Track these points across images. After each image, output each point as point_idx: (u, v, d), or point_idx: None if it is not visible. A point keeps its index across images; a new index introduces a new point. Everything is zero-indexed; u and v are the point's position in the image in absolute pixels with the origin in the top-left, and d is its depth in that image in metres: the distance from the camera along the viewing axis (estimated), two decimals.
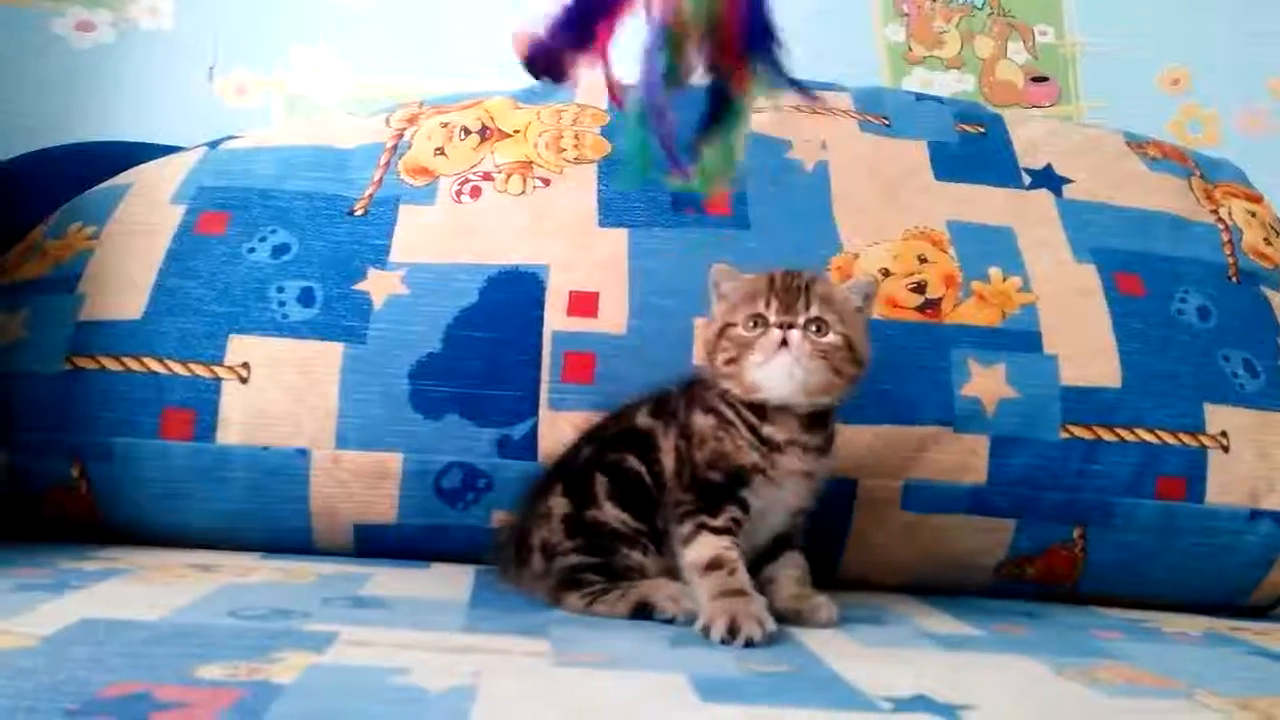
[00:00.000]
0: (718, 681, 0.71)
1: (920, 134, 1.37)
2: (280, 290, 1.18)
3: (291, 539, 1.14)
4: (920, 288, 1.22)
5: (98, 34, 1.60)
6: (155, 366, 1.14)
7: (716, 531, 0.92)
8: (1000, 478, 1.15)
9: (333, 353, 1.14)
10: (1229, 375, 1.22)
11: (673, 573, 0.95)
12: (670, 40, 0.58)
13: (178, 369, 1.14)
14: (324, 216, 1.23)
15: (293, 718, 0.58)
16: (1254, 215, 1.38)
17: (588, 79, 1.36)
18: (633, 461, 0.97)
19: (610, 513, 0.95)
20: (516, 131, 1.31)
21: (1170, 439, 1.17)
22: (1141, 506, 1.16)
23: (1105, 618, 1.10)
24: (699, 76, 0.64)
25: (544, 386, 1.14)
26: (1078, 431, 1.16)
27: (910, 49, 1.73)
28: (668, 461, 0.97)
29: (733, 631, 0.82)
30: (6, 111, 1.56)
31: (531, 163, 1.28)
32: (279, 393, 1.13)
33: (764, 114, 1.37)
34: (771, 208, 1.27)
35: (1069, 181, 1.35)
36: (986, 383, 1.17)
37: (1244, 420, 1.20)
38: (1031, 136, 1.40)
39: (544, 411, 1.14)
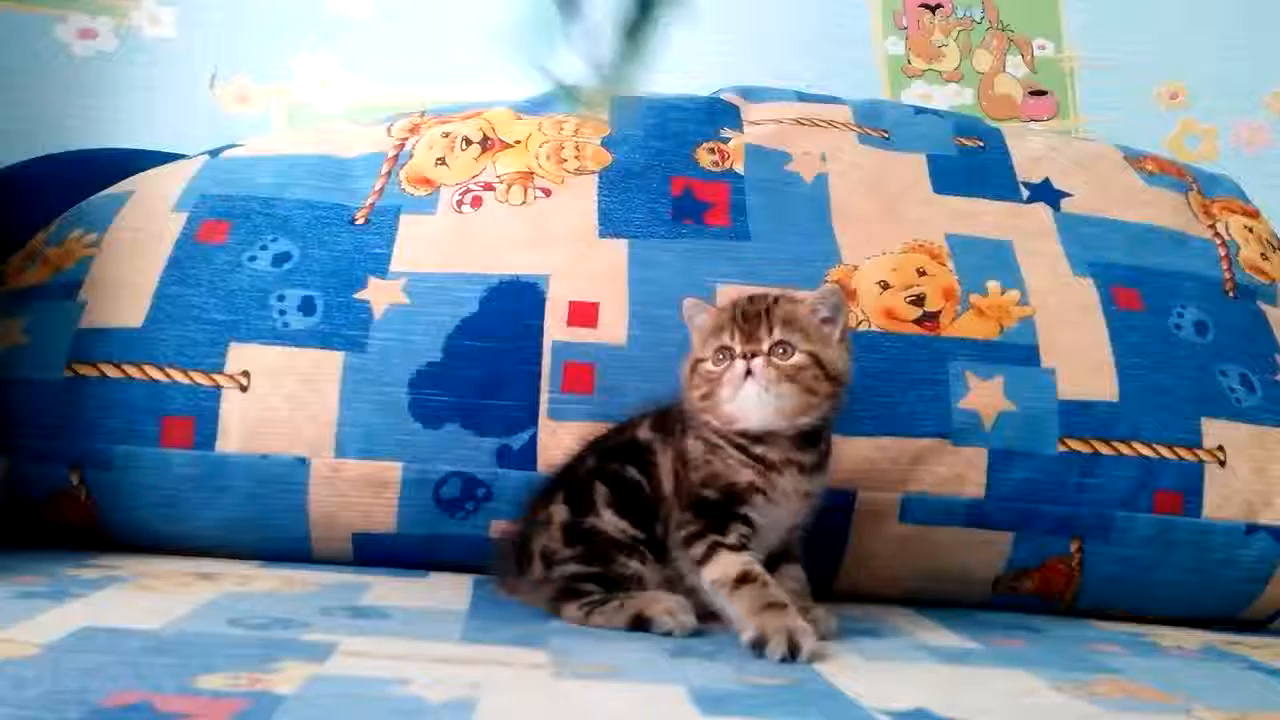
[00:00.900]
0: (716, 694, 0.71)
1: (919, 147, 1.38)
2: (281, 299, 1.18)
3: (290, 547, 1.14)
4: (919, 300, 1.22)
5: (99, 41, 1.61)
6: (155, 374, 1.14)
7: (732, 549, 0.92)
8: (998, 491, 1.15)
9: (333, 361, 1.15)
10: (1226, 390, 1.23)
11: (671, 583, 0.95)
12: None
13: (178, 377, 1.14)
14: (325, 225, 1.24)
15: None
16: (1251, 230, 1.39)
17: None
18: (633, 472, 0.98)
19: (609, 521, 0.96)
20: (518, 142, 1.32)
21: (1167, 453, 1.18)
22: (1139, 520, 1.16)
23: (1103, 631, 1.10)
24: None
25: (544, 396, 1.15)
26: (1075, 445, 1.16)
27: (909, 62, 1.73)
28: (665, 480, 0.98)
29: (793, 650, 0.82)
30: (8, 118, 1.56)
31: (532, 173, 1.28)
32: (279, 401, 1.13)
33: (764, 126, 1.38)
34: (771, 220, 1.27)
35: (1067, 195, 1.35)
36: (984, 396, 1.17)
37: (1241, 435, 1.20)
38: (1030, 150, 1.41)
39: (544, 421, 1.14)
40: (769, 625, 0.84)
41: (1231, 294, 1.31)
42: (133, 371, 1.14)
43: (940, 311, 1.22)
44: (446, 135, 1.32)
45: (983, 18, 1.75)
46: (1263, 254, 1.37)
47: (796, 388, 0.92)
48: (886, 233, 1.27)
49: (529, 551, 0.99)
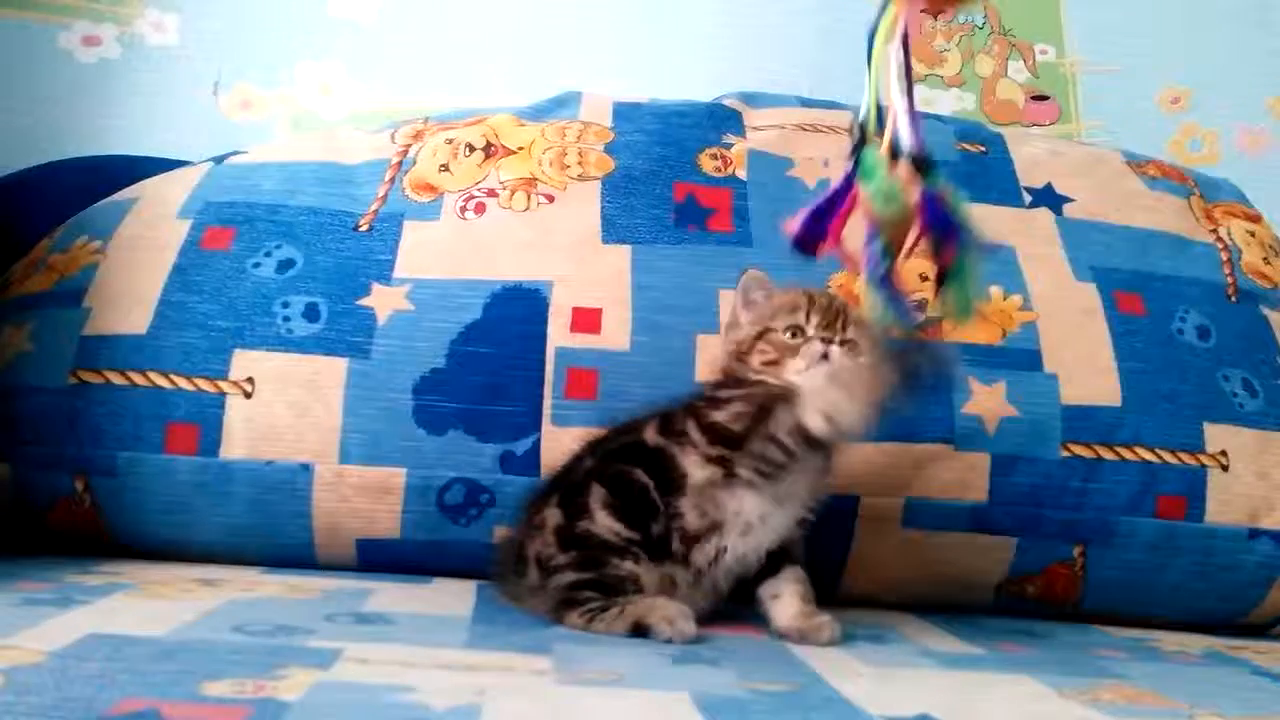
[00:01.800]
0: (721, 700, 0.71)
1: None
2: (285, 305, 1.18)
3: (295, 553, 1.14)
4: (921, 306, 1.22)
5: (103, 49, 1.61)
6: (160, 381, 1.14)
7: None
8: (1001, 496, 1.15)
9: (337, 368, 1.15)
10: (1228, 395, 1.23)
11: (672, 582, 0.96)
12: (881, 229, 0.73)
13: (182, 384, 1.14)
14: (329, 232, 1.24)
15: None
16: (1253, 235, 1.39)
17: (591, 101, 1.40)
18: (640, 475, 0.97)
19: (602, 523, 0.96)
20: (521, 148, 1.32)
21: (1170, 458, 1.18)
22: (1141, 525, 1.16)
23: (1106, 636, 1.10)
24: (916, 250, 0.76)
25: (547, 402, 1.15)
26: (1078, 450, 1.17)
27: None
28: (695, 475, 0.97)
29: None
30: (13, 125, 1.57)
31: (535, 179, 1.29)
32: (283, 407, 1.13)
33: (767, 132, 1.38)
34: (774, 225, 1.26)
35: (1069, 200, 1.36)
36: (987, 401, 1.17)
37: (1243, 440, 1.20)
38: (1032, 155, 1.41)
39: (547, 427, 1.14)
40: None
41: (1234, 298, 1.31)
42: (137, 378, 1.14)
43: (943, 317, 1.22)
44: (450, 142, 1.33)
45: (984, 23, 1.75)
46: (1265, 258, 1.37)
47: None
48: None
49: (525, 556, 0.99)
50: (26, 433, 1.14)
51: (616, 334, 1.18)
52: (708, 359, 1.16)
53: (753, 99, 1.46)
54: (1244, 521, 1.18)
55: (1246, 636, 1.16)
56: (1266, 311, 1.32)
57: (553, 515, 0.98)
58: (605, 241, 1.24)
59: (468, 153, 1.31)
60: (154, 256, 1.22)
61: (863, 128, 0.77)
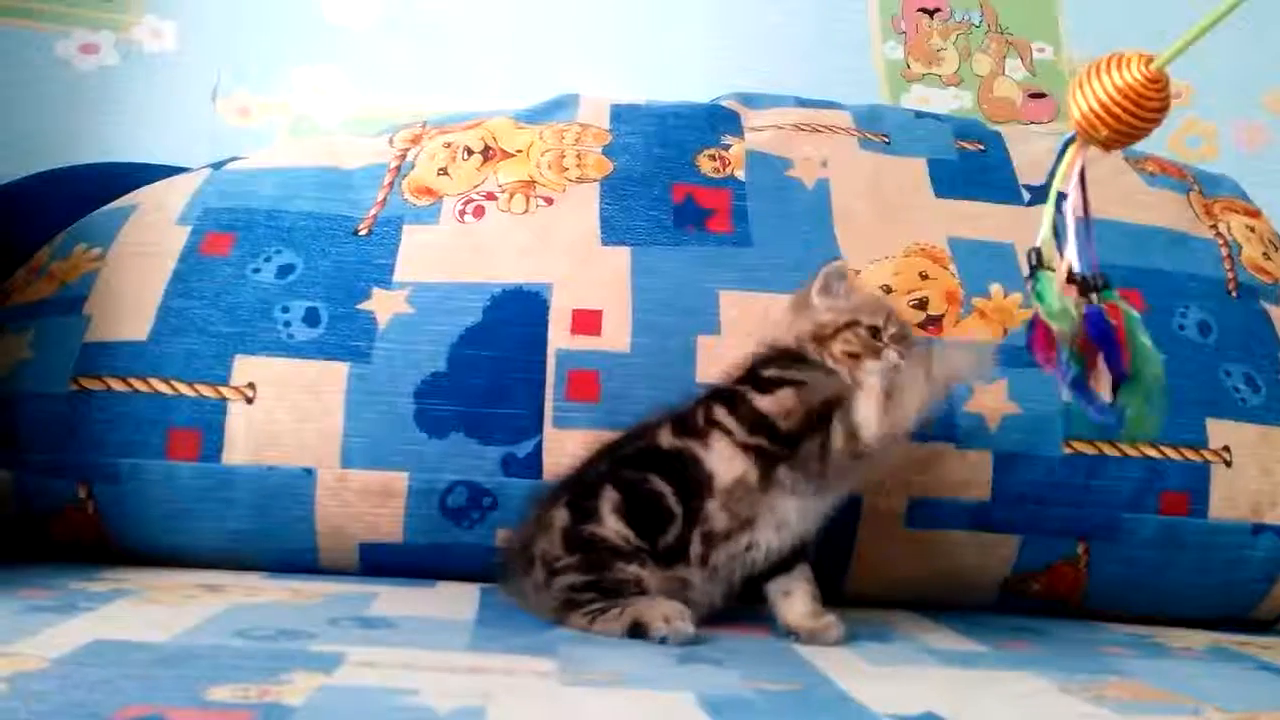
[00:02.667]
0: (726, 700, 0.71)
1: (920, 151, 1.38)
2: (285, 310, 1.18)
3: (297, 558, 1.15)
4: (922, 304, 1.22)
5: (101, 56, 1.61)
6: (161, 387, 1.14)
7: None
8: (1004, 493, 1.15)
9: (338, 372, 1.15)
10: (1230, 390, 1.23)
11: (678, 587, 0.96)
12: (1063, 340, 0.80)
13: (184, 390, 1.14)
14: (328, 236, 1.24)
15: None
16: (1253, 230, 1.39)
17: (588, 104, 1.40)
18: (657, 483, 0.97)
19: (611, 527, 0.95)
20: (519, 151, 1.32)
21: (1173, 454, 1.18)
22: (1145, 522, 1.16)
23: (1111, 633, 1.10)
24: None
25: (548, 405, 1.15)
26: (1081, 447, 1.16)
27: (908, 66, 1.74)
28: (724, 472, 0.97)
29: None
30: (11, 133, 1.57)
31: (534, 182, 1.29)
32: (284, 413, 1.13)
33: (765, 132, 1.38)
34: (773, 225, 1.28)
35: (1068, 198, 1.35)
36: (989, 399, 1.17)
37: (1246, 435, 1.20)
38: (1031, 153, 1.41)
39: (548, 429, 1.14)
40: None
41: (1234, 294, 1.31)
42: (138, 385, 1.14)
43: (943, 315, 1.22)
44: (448, 145, 1.33)
45: (981, 21, 1.76)
46: (1265, 253, 1.37)
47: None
48: (888, 237, 1.28)
49: (531, 554, 0.99)
50: (28, 440, 1.14)
51: (617, 335, 1.18)
52: (709, 361, 1.16)
53: (750, 100, 1.46)
54: (1247, 517, 1.18)
55: (1251, 632, 1.16)
56: (1267, 306, 1.31)
57: (560, 516, 0.98)
58: (604, 243, 1.24)
59: (466, 156, 1.32)
60: (154, 263, 1.22)
61: (1038, 253, 0.83)
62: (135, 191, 1.34)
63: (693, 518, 0.96)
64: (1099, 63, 0.79)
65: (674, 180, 1.30)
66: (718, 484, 0.97)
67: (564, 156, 1.32)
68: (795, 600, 0.96)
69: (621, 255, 1.23)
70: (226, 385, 1.14)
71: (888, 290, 1.22)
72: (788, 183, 1.32)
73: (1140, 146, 1.49)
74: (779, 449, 0.96)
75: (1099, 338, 0.79)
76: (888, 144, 1.39)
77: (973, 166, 1.38)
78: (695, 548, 0.96)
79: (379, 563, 1.15)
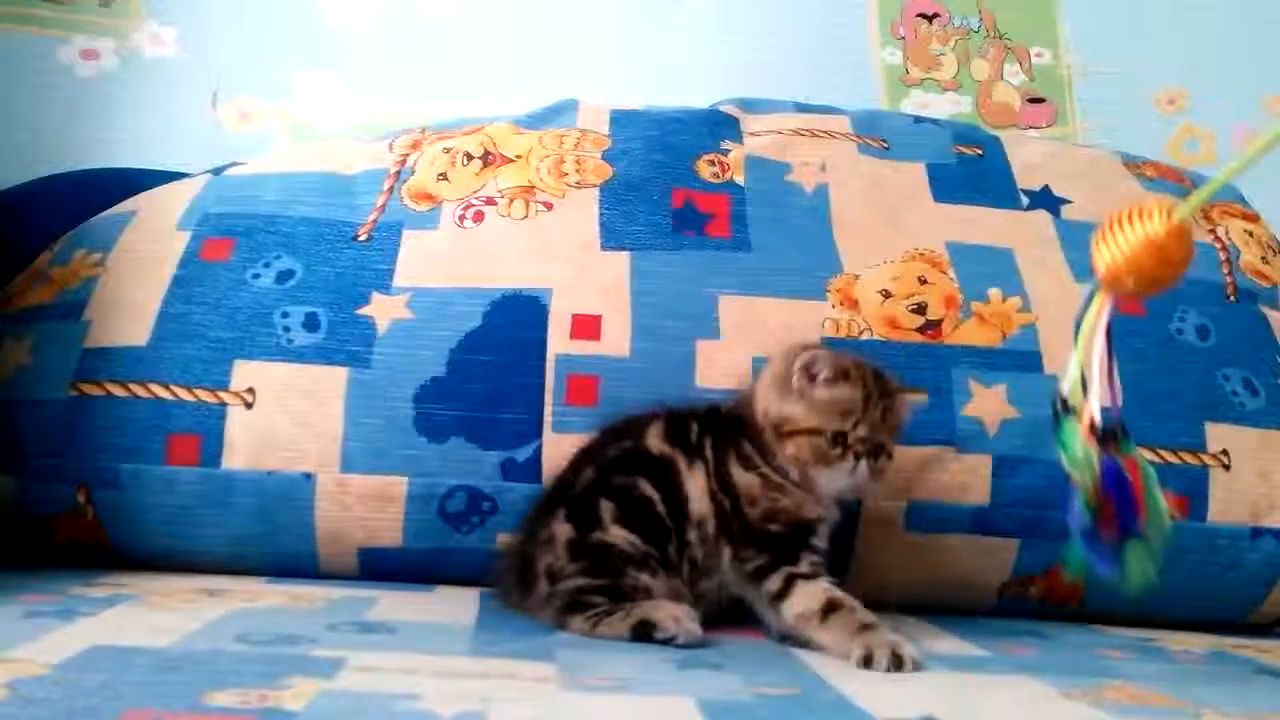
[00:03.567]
0: (726, 704, 0.72)
1: (919, 156, 1.39)
2: (285, 315, 1.18)
3: (297, 563, 1.14)
4: (921, 309, 1.22)
5: (102, 62, 1.62)
6: (161, 393, 1.14)
7: (807, 578, 0.94)
8: (1003, 498, 1.15)
9: (337, 377, 1.15)
10: (1228, 394, 1.23)
11: (679, 595, 0.96)
12: (1080, 488, 0.81)
13: (183, 395, 1.14)
14: (328, 242, 1.24)
15: None
16: (1251, 234, 1.39)
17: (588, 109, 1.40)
18: (646, 488, 0.97)
19: (617, 534, 0.95)
20: (518, 156, 1.32)
21: (1171, 458, 1.18)
22: None
23: (1110, 636, 1.10)
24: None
25: (548, 409, 1.15)
26: None
27: (907, 72, 1.74)
28: (698, 502, 0.98)
29: (899, 663, 0.84)
30: (11, 139, 1.57)
31: (534, 187, 1.29)
32: (284, 417, 1.14)
33: (764, 138, 1.38)
34: (772, 230, 1.28)
35: (1067, 202, 1.36)
36: (988, 403, 1.17)
37: (1244, 439, 1.20)
38: (1029, 158, 1.41)
39: (548, 434, 1.14)
40: (871, 644, 0.85)
41: (1233, 298, 1.31)
42: (138, 390, 1.15)
43: (942, 320, 1.22)
44: (448, 151, 1.33)
45: (980, 26, 1.76)
46: (1263, 257, 1.37)
47: (875, 480, 0.99)
48: (887, 242, 1.28)
49: (533, 571, 0.99)
50: (28, 446, 1.14)
51: (616, 340, 1.18)
52: (708, 365, 1.17)
53: (749, 105, 1.47)
54: (1246, 521, 1.18)
55: (1250, 635, 1.16)
56: (1266, 310, 1.32)
57: (563, 530, 0.98)
58: (604, 248, 1.24)
59: (466, 161, 1.32)
60: (154, 268, 1.22)
61: (1064, 401, 0.83)
62: (135, 197, 1.34)
63: (682, 527, 0.97)
64: (1121, 214, 0.79)
65: (673, 185, 1.30)
66: (691, 511, 0.98)
67: (563, 162, 1.32)
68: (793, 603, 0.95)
69: (621, 260, 1.23)
70: (226, 390, 1.15)
71: (886, 295, 1.23)
72: (787, 188, 1.33)
73: (1138, 151, 1.51)
74: (740, 525, 0.97)
75: (1116, 492, 0.79)
76: (887, 149, 1.40)
77: (971, 171, 1.38)
78: (686, 570, 0.97)
79: (378, 567, 1.15)
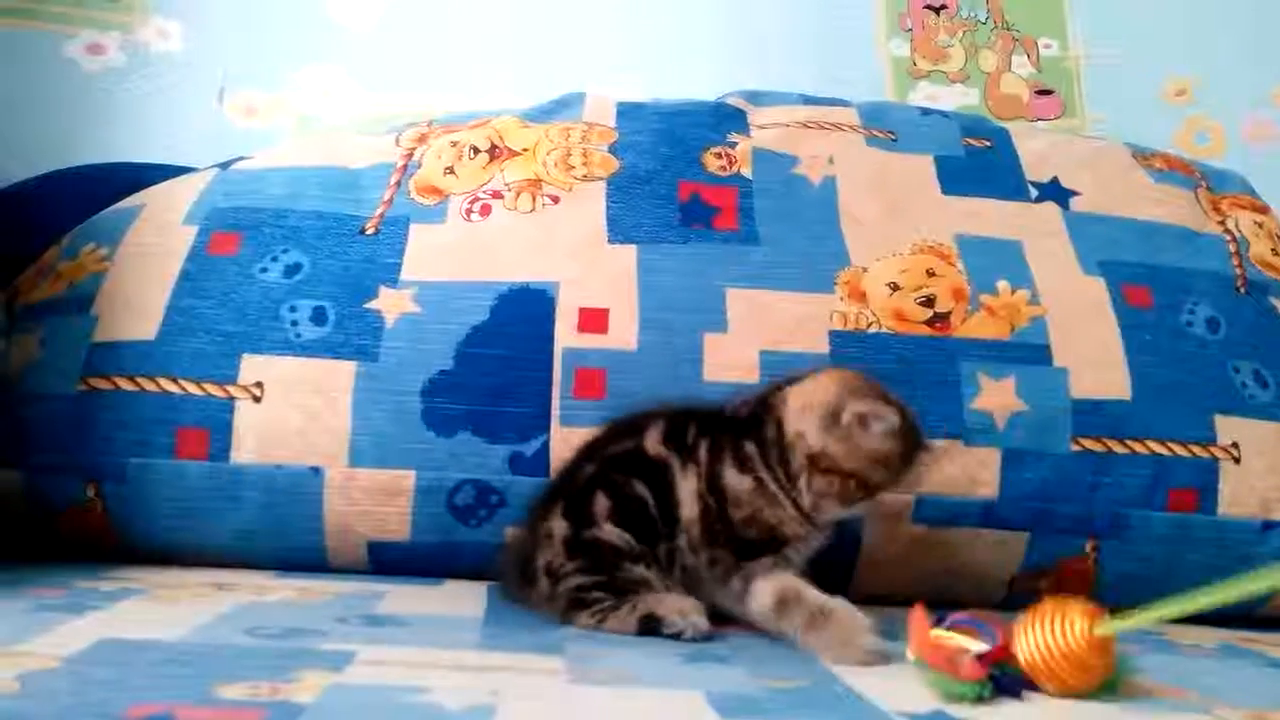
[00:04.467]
0: (736, 698, 0.71)
1: (926, 148, 1.38)
2: (293, 309, 1.18)
3: (305, 557, 1.15)
4: (929, 301, 1.22)
5: (108, 57, 1.62)
6: (169, 386, 1.14)
7: (766, 575, 0.94)
8: (1011, 491, 1.15)
9: (345, 371, 1.15)
10: (1239, 386, 1.22)
11: (683, 589, 0.96)
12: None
13: (192, 389, 1.14)
14: (335, 236, 1.24)
15: None
16: (1261, 226, 1.39)
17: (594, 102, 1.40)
18: (639, 488, 0.96)
19: (610, 531, 0.95)
20: (525, 150, 1.32)
21: (1181, 451, 1.17)
22: (1153, 519, 1.16)
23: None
24: None
25: (555, 403, 1.15)
26: (1088, 444, 1.16)
27: (914, 63, 1.73)
28: (687, 505, 0.96)
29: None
30: (18, 134, 1.57)
31: (540, 180, 1.29)
32: (292, 411, 1.14)
33: (771, 130, 1.38)
34: (779, 223, 1.27)
35: (1076, 194, 1.35)
36: (996, 396, 1.17)
37: (1255, 431, 1.20)
38: (1037, 149, 1.41)
39: (556, 428, 1.14)
40: (816, 643, 0.86)
41: (1243, 290, 1.31)
42: (146, 384, 1.15)
43: (950, 312, 1.22)
44: (454, 144, 1.33)
45: (987, 18, 1.75)
46: (1273, 249, 1.36)
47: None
48: (895, 234, 1.28)
49: (534, 567, 0.98)
50: (37, 440, 1.14)
51: (624, 333, 1.18)
52: (715, 358, 1.16)
53: (756, 97, 1.46)
54: (1257, 514, 1.17)
55: (1260, 629, 1.15)
56: (1276, 303, 1.31)
57: (559, 526, 0.97)
58: (611, 241, 1.24)
59: (472, 155, 1.32)
60: (161, 263, 1.22)
61: None
62: (142, 191, 1.34)
63: (673, 531, 0.96)
64: (1045, 612, 0.76)
65: (680, 178, 1.30)
66: (682, 515, 0.96)
67: (570, 155, 1.32)
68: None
69: (628, 253, 1.23)
70: (234, 384, 1.15)
71: (895, 288, 1.22)
72: (794, 180, 1.32)
73: (1146, 143, 1.51)
74: (721, 527, 0.96)
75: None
76: (894, 141, 1.39)
77: (980, 163, 1.37)
78: (677, 573, 0.96)
79: (386, 561, 1.15)
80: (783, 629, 0.90)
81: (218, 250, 1.23)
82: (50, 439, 1.14)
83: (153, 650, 0.75)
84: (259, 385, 1.15)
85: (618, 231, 1.25)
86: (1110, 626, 0.74)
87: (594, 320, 1.18)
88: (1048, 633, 0.75)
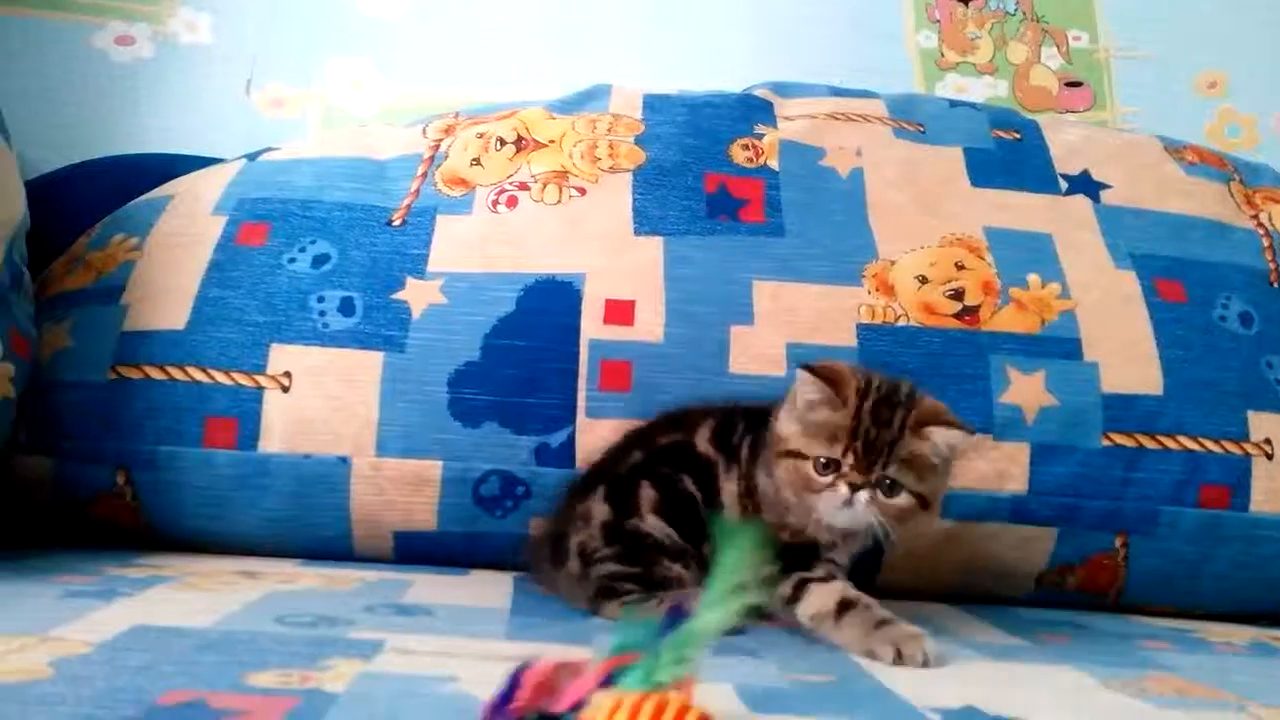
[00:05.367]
0: (764, 691, 0.71)
1: (955, 140, 1.37)
2: (321, 300, 1.19)
3: (332, 546, 1.15)
4: (958, 294, 1.21)
5: (136, 48, 1.62)
6: (199, 376, 1.15)
7: (822, 580, 0.91)
8: (1041, 486, 1.14)
9: (373, 361, 1.15)
10: (1272, 382, 1.21)
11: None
12: None
13: (220, 378, 1.15)
14: (362, 227, 1.24)
15: None
16: None
17: (621, 94, 1.39)
18: (689, 485, 0.96)
19: (653, 524, 0.95)
20: (551, 141, 1.32)
21: (1214, 446, 1.16)
22: (1185, 515, 1.15)
23: (1151, 628, 1.09)
24: None
25: (581, 394, 1.15)
26: (1119, 439, 1.15)
27: (943, 55, 1.72)
28: (731, 506, 0.96)
29: (900, 657, 0.82)
30: (48, 125, 1.58)
31: (567, 172, 1.28)
32: (320, 401, 1.14)
33: (798, 122, 1.37)
34: (806, 215, 1.27)
35: (1106, 187, 1.34)
36: (1026, 390, 1.16)
37: None
38: (1067, 142, 1.39)
39: (581, 419, 1.14)
40: (895, 639, 0.83)
41: (1276, 284, 1.29)
42: (176, 373, 1.15)
43: (980, 305, 1.21)
44: (481, 136, 1.33)
45: (1016, 9, 1.74)
46: None
47: (890, 518, 0.89)
48: (923, 226, 1.27)
49: (565, 546, 0.99)
50: (67, 427, 1.15)
51: (650, 325, 1.18)
52: (741, 351, 1.16)
53: (783, 89, 1.45)
54: None
55: None
56: None
57: (600, 509, 0.97)
58: (637, 233, 1.24)
59: (499, 146, 1.31)
60: (190, 253, 1.23)
61: None
62: (171, 182, 1.35)
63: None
64: (638, 702, 0.55)
65: (707, 170, 1.29)
66: (725, 516, 0.96)
67: (596, 146, 1.31)
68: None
69: (654, 245, 1.23)
70: (263, 374, 1.15)
71: (923, 280, 1.21)
72: (821, 172, 1.31)
73: (1179, 135, 1.49)
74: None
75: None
76: (923, 133, 1.38)
77: (1009, 156, 1.36)
78: None
79: (413, 550, 1.16)
80: (833, 635, 0.87)
81: (246, 240, 1.23)
82: (80, 427, 1.15)
83: (184, 637, 0.75)
84: (287, 375, 1.15)
85: (644, 223, 1.24)
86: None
87: (620, 312, 1.18)
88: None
